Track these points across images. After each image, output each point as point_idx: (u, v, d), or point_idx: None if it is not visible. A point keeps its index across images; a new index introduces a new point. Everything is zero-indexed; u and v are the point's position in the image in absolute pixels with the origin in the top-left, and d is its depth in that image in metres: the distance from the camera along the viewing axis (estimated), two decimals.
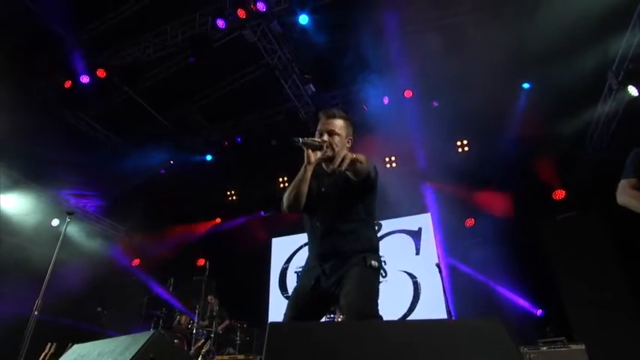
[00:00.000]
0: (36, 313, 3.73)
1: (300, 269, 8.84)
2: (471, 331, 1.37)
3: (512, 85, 7.18)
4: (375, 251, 2.18)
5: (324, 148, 2.14)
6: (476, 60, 6.61)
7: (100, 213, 8.93)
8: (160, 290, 7.55)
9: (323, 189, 2.26)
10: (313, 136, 2.24)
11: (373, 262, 2.07)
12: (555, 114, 6.82)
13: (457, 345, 1.35)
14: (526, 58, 6.65)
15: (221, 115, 8.55)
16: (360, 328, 1.45)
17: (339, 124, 2.27)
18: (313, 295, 2.11)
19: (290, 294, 2.26)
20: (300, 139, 2.07)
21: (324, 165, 2.27)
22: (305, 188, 2.12)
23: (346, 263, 2.06)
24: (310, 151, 2.10)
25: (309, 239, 2.32)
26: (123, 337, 2.07)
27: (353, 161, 1.86)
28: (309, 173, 2.11)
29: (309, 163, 2.09)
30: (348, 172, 1.95)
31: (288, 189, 2.18)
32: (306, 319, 2.06)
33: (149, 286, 8.29)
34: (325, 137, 2.20)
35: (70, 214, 4.20)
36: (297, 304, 2.12)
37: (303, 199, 2.14)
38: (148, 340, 1.91)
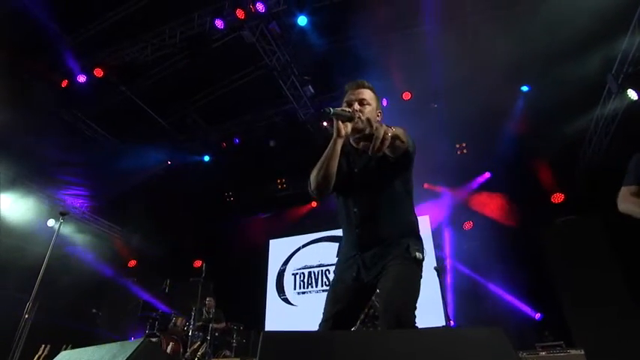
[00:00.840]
0: (27, 316, 3.66)
1: (302, 271, 8.67)
2: (473, 341, 1.32)
3: (511, 88, 7.17)
4: (417, 237, 1.99)
5: (356, 118, 1.87)
6: (475, 63, 6.60)
7: (96, 213, 8.87)
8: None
9: (356, 169, 2.03)
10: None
11: (417, 254, 1.87)
12: (554, 117, 6.81)
13: (459, 355, 1.32)
14: (525, 61, 6.63)
15: (219, 116, 8.51)
16: (358, 338, 1.41)
17: (369, 94, 2.06)
18: (355, 288, 1.92)
19: (329, 288, 2.03)
20: (332, 109, 1.82)
21: (352, 141, 2.05)
22: (335, 165, 1.87)
23: (388, 252, 1.88)
24: (340, 122, 1.85)
25: (343, 226, 2.10)
26: (111, 345, 2.02)
27: (394, 139, 1.64)
28: (339, 147, 1.86)
29: (339, 135, 1.84)
30: (385, 151, 1.67)
31: (315, 168, 1.91)
32: (349, 315, 1.93)
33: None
34: (356, 106, 1.99)
35: (63, 214, 4.15)
36: (339, 300, 1.92)
37: (333, 179, 1.89)
38: (137, 347, 1.86)
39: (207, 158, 9.08)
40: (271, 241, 9.70)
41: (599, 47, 5.81)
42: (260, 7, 6.26)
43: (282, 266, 9.31)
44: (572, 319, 6.18)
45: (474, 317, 6.77)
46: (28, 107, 6.51)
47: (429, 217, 8.16)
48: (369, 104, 2.01)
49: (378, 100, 2.11)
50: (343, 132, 1.84)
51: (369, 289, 1.92)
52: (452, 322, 5.93)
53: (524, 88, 7.19)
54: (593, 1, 5.19)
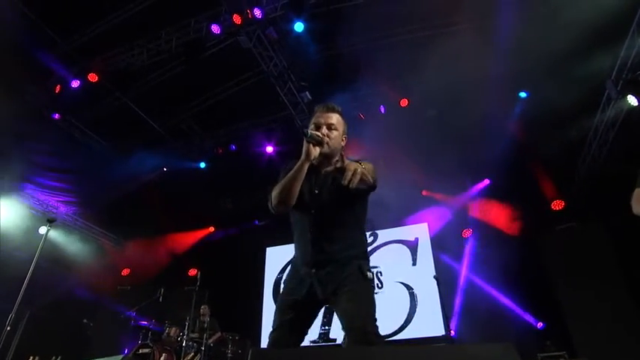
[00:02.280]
0: (8, 328, 3.52)
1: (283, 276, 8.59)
2: (484, 358, 1.25)
3: (509, 94, 7.13)
4: (366, 257, 2.12)
5: (324, 144, 2.02)
6: (474, 69, 6.56)
7: (89, 221, 8.73)
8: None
9: (316, 190, 2.09)
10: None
11: (368, 274, 1.99)
12: (554, 123, 6.76)
13: None
14: (524, 67, 6.60)
15: (215, 122, 8.44)
16: (354, 354, 1.32)
17: (337, 119, 2.16)
18: (306, 302, 2.00)
19: (278, 298, 2.14)
20: (309, 131, 1.98)
21: (313, 161, 2.10)
22: (299, 186, 1.97)
23: (341, 271, 1.97)
24: (311, 145, 1.95)
25: (297, 243, 2.18)
26: None
27: (363, 176, 1.77)
28: (306, 169, 1.96)
29: (307, 158, 1.94)
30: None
31: (278, 185, 2.03)
32: (299, 325, 1.99)
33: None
34: (324, 131, 2.09)
35: (51, 221, 4.02)
36: (289, 310, 1.99)
37: (295, 198, 1.99)
38: None
39: (203, 165, 8.98)
40: (268, 249, 9.57)
41: (598, 53, 5.78)
42: (257, 12, 6.23)
43: (279, 274, 9.15)
44: (575, 329, 6.07)
45: (474, 326, 6.65)
46: (22, 113, 6.43)
47: (428, 225, 8.07)
48: (336, 129, 2.12)
49: (345, 124, 2.22)
50: (312, 156, 1.95)
51: (319, 304, 2.05)
52: (452, 332, 5.82)
53: (523, 95, 7.15)
54: (593, 7, 5.18)
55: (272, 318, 2.03)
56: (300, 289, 2.01)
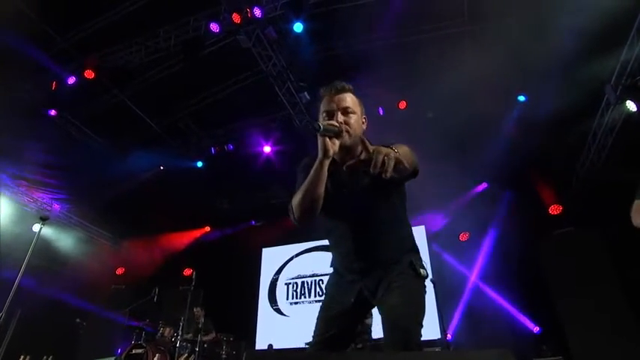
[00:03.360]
0: None
1: (295, 280, 8.50)
2: None
3: (508, 98, 7.12)
4: (417, 251, 1.88)
5: (343, 133, 1.66)
6: (472, 72, 6.55)
7: (84, 219, 8.66)
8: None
9: (345, 190, 1.79)
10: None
11: (422, 271, 1.78)
12: (552, 128, 6.75)
13: None
14: (523, 71, 6.59)
15: (213, 121, 8.39)
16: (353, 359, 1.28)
17: (351, 99, 1.81)
18: (353, 312, 1.81)
19: (322, 308, 1.89)
20: (321, 125, 1.59)
21: (335, 156, 1.73)
22: (322, 189, 1.63)
23: (392, 270, 1.76)
24: (328, 139, 1.60)
25: (336, 249, 1.93)
26: None
27: (397, 163, 1.40)
28: (326, 169, 1.62)
29: (326, 156, 1.59)
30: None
31: (298, 193, 1.69)
32: (342, 340, 1.80)
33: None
34: (340, 118, 1.72)
35: (44, 219, 3.96)
36: (333, 323, 1.80)
37: (320, 204, 1.66)
38: None
39: (200, 164, 8.93)
40: (264, 250, 9.53)
41: (597, 58, 5.77)
42: (257, 12, 6.19)
43: (274, 275, 9.12)
44: (571, 334, 6.05)
45: (471, 330, 6.62)
46: (18, 110, 6.36)
47: (425, 227, 8.04)
48: (353, 112, 1.78)
49: (361, 103, 1.88)
50: (331, 152, 1.60)
51: (368, 309, 1.85)
52: (448, 336, 5.78)
53: (521, 99, 7.14)
54: (592, 12, 5.17)
55: (267, 318, 1.95)
56: (348, 297, 1.80)
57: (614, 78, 5.78)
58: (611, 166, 6.46)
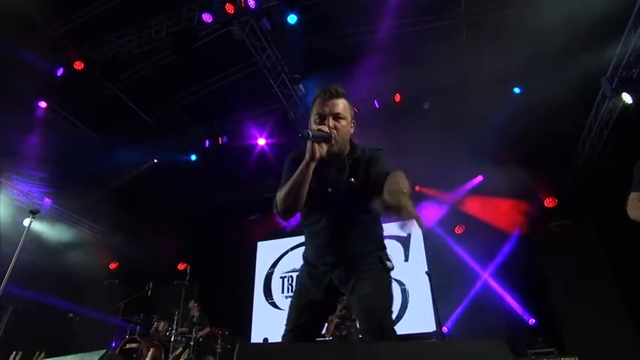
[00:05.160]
0: None
1: (290, 274, 8.51)
2: (474, 354, 1.23)
3: (503, 90, 7.09)
4: (385, 247, 2.01)
5: (333, 140, 1.79)
6: (467, 63, 6.52)
7: (76, 213, 8.55)
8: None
9: (329, 189, 1.91)
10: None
11: (388, 263, 1.91)
12: (547, 120, 6.72)
13: None
14: (519, 63, 6.55)
15: (207, 114, 8.30)
16: (345, 350, 1.25)
17: (343, 105, 1.91)
18: (324, 302, 1.95)
19: (293, 298, 2.02)
20: (310, 133, 1.72)
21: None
22: (306, 189, 1.77)
23: (360, 264, 1.87)
24: (316, 144, 1.73)
25: (311, 242, 2.04)
26: (70, 357, 1.84)
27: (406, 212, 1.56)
28: (311, 171, 1.75)
29: (313, 159, 1.72)
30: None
31: (283, 190, 1.82)
32: (313, 328, 1.91)
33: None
34: (331, 123, 1.84)
35: (34, 213, 3.89)
36: (304, 312, 1.90)
37: (302, 202, 1.80)
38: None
39: (193, 157, 8.84)
40: (259, 243, 9.50)
41: (593, 50, 5.74)
42: (251, 2, 6.09)
43: (269, 269, 9.10)
44: (565, 326, 6.09)
45: (466, 323, 6.65)
46: (4, 101, 6.23)
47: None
48: (343, 118, 1.88)
49: (351, 108, 1.98)
50: (318, 155, 1.73)
51: (337, 298, 1.98)
52: (445, 329, 5.80)
53: (517, 90, 7.10)
54: (589, 4, 5.13)
55: (262, 312, 1.96)
56: (318, 287, 1.92)
57: (610, 70, 5.75)
58: (607, 158, 6.46)
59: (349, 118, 1.93)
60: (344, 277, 1.88)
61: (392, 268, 1.92)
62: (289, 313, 1.93)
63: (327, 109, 1.86)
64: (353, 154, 1.95)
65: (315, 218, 1.98)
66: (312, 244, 2.03)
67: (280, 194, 1.82)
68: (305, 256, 2.08)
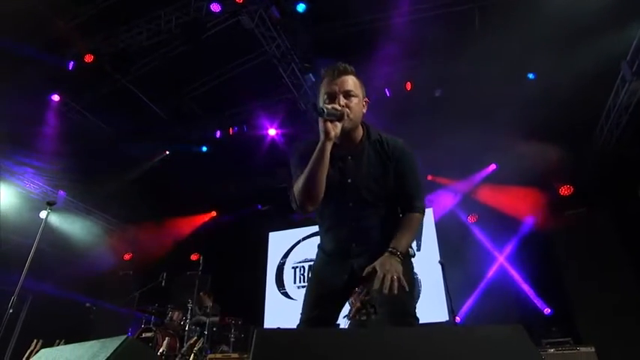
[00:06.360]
0: (11, 310, 3.47)
1: (302, 264, 8.52)
2: (494, 340, 1.21)
3: (517, 76, 6.93)
4: None
5: (345, 117, 1.68)
6: (480, 49, 6.37)
7: (91, 205, 8.67)
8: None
9: (349, 179, 1.82)
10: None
11: (410, 249, 1.85)
12: (563, 106, 6.56)
13: (481, 355, 1.17)
14: (534, 47, 6.39)
15: (217, 104, 8.29)
16: (363, 335, 1.23)
17: (353, 82, 1.79)
18: (342, 294, 1.90)
19: (309, 289, 1.97)
20: (325, 108, 1.61)
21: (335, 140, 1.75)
22: (325, 174, 1.65)
23: (383, 252, 1.76)
24: (330, 122, 1.62)
25: (329, 234, 1.96)
26: (91, 343, 1.85)
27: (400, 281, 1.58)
28: (329, 151, 1.63)
29: (328, 138, 1.60)
30: None
31: (300, 180, 1.69)
32: (327, 321, 1.86)
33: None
34: (342, 101, 1.73)
35: (50, 204, 3.94)
36: (320, 304, 1.87)
37: (323, 189, 1.67)
38: (118, 346, 1.69)
39: (205, 148, 8.86)
40: (271, 234, 9.53)
41: (612, 33, 5.56)
42: None
43: (281, 259, 9.14)
44: (581, 315, 6.00)
45: (480, 312, 6.60)
46: (16, 94, 6.29)
47: (433, 210, 7.98)
48: (355, 95, 1.77)
49: (362, 85, 1.87)
50: (333, 134, 1.61)
51: (353, 288, 1.92)
52: (457, 318, 5.77)
53: (531, 76, 6.94)
54: None
55: (274, 302, 1.95)
56: (340, 277, 1.86)
57: (630, 54, 5.56)
58: (625, 145, 6.29)
59: (361, 95, 1.82)
60: (365, 264, 1.78)
61: (414, 255, 1.88)
62: (304, 304, 1.90)
63: (336, 87, 1.76)
64: (369, 138, 1.86)
65: (333, 209, 1.90)
66: (332, 235, 1.95)
67: (298, 186, 1.71)
68: (322, 246, 2.02)
